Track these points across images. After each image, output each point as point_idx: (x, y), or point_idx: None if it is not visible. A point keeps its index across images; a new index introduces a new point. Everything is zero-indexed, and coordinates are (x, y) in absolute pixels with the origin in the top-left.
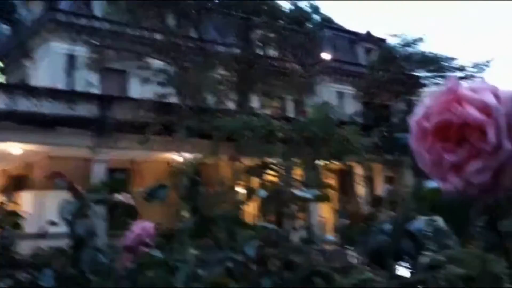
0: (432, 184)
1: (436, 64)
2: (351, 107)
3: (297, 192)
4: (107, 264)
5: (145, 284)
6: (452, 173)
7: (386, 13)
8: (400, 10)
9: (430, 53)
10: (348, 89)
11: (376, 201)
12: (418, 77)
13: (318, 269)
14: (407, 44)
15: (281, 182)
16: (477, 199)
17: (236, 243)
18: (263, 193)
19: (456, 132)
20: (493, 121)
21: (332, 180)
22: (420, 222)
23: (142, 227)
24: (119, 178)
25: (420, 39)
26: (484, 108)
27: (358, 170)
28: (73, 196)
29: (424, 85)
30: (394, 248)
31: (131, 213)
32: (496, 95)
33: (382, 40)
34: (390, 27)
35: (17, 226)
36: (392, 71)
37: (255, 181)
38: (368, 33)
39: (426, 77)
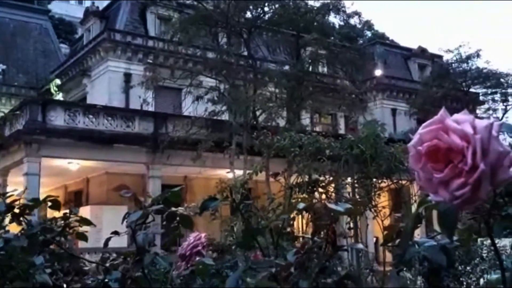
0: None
1: (494, 80)
2: (405, 124)
3: (330, 205)
4: (164, 270)
5: None
6: (441, 188)
7: (441, 27)
8: (457, 24)
9: (487, 69)
10: (402, 106)
11: (416, 218)
12: (475, 94)
13: (350, 273)
14: (463, 60)
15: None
16: (461, 207)
17: (280, 251)
18: (301, 205)
19: (443, 155)
20: (471, 147)
21: (384, 198)
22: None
23: (196, 237)
24: (176, 191)
25: (477, 55)
26: (464, 136)
27: (414, 189)
28: (136, 207)
29: (482, 102)
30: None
31: (188, 223)
32: (474, 126)
33: (437, 56)
34: (445, 42)
35: (83, 237)
36: (447, 87)
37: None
38: (422, 49)
39: (484, 94)
